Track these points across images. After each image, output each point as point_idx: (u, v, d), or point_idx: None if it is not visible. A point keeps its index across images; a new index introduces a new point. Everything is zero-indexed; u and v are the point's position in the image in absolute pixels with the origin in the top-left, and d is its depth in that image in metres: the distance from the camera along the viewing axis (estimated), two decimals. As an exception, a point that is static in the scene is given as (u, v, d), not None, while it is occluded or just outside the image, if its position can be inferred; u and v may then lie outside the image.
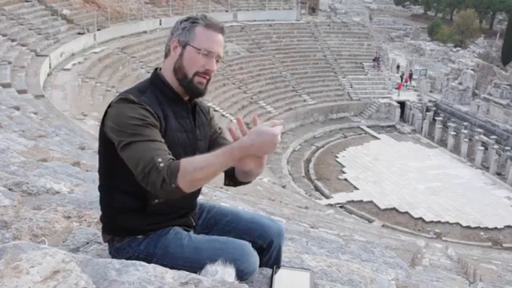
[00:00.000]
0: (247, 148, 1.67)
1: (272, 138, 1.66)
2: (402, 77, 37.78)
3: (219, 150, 1.69)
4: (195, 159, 1.68)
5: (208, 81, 1.93)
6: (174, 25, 1.94)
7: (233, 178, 2.04)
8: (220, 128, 2.19)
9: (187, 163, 1.66)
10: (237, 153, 1.68)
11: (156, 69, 1.99)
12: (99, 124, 1.93)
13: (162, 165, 1.65)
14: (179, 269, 1.58)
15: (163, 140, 1.77)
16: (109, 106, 1.83)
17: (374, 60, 37.10)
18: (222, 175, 2.07)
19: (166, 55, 1.95)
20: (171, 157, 1.71)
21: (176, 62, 1.90)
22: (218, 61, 1.92)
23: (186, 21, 1.91)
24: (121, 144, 1.74)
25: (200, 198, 2.13)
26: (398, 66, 40.75)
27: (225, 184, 2.11)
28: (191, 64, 1.88)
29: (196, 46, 1.87)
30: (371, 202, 22.83)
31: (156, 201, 1.81)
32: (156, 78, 1.94)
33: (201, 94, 1.94)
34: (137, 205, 1.87)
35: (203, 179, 1.69)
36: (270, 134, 1.66)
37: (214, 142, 2.09)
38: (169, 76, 1.92)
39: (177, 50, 1.90)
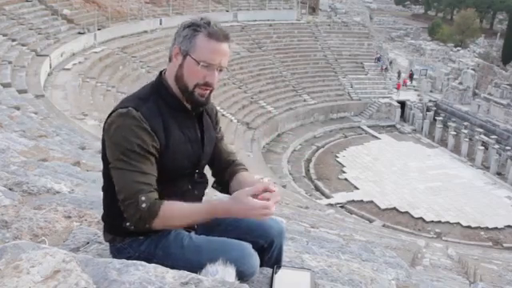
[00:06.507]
0: (227, 212, 1.76)
1: (246, 211, 1.73)
2: (398, 74, 37.63)
3: (202, 208, 1.78)
4: (176, 208, 1.75)
5: (211, 91, 1.89)
6: (178, 29, 1.88)
7: (224, 189, 2.10)
8: (221, 132, 2.17)
9: (167, 210, 1.73)
10: (216, 213, 1.78)
11: (161, 72, 1.94)
12: (101, 125, 1.92)
13: (143, 205, 1.71)
14: (180, 269, 1.58)
15: (154, 170, 1.78)
16: (110, 114, 1.81)
17: (377, 60, 36.98)
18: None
19: (170, 59, 1.91)
20: (155, 196, 1.75)
21: (177, 70, 1.86)
22: (221, 70, 1.86)
23: (188, 27, 1.83)
24: (111, 164, 1.79)
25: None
26: (391, 62, 39.93)
27: (212, 186, 2.14)
28: (191, 75, 1.83)
29: (196, 58, 1.80)
30: (371, 201, 22.84)
31: (128, 224, 1.80)
32: (160, 84, 1.90)
33: (202, 105, 1.92)
34: None
35: (177, 226, 1.80)
36: (245, 206, 1.73)
37: (214, 146, 2.08)
38: (172, 83, 1.88)
39: (178, 58, 1.85)
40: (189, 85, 1.84)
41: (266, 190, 1.78)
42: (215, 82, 1.86)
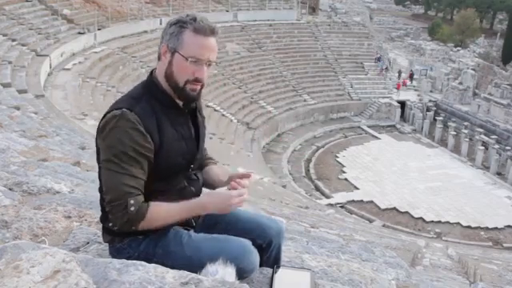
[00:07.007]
0: (203, 206, 1.83)
1: (225, 200, 1.81)
2: (399, 74, 37.57)
3: (184, 206, 1.81)
4: (162, 210, 1.79)
5: (202, 86, 1.89)
6: (164, 27, 1.88)
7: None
8: None
9: (154, 213, 1.77)
10: (196, 211, 1.86)
11: (152, 71, 1.94)
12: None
13: (132, 208, 1.73)
14: (180, 268, 1.58)
15: (144, 175, 1.78)
16: (104, 116, 1.81)
17: (377, 60, 36.95)
18: None
19: (159, 58, 1.90)
20: (142, 199, 1.77)
21: (167, 68, 1.85)
22: (210, 65, 1.86)
23: (174, 24, 1.83)
24: (101, 163, 1.79)
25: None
26: (390, 62, 39.82)
27: None
28: (180, 72, 1.83)
29: (183, 54, 1.80)
30: (371, 201, 22.83)
31: (110, 224, 1.81)
32: (152, 83, 1.89)
33: (194, 100, 1.92)
34: None
35: (160, 226, 1.82)
36: (223, 197, 1.82)
37: None
38: (162, 81, 1.88)
39: (167, 56, 1.85)
40: (179, 81, 1.84)
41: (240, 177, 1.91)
42: (205, 77, 1.86)
